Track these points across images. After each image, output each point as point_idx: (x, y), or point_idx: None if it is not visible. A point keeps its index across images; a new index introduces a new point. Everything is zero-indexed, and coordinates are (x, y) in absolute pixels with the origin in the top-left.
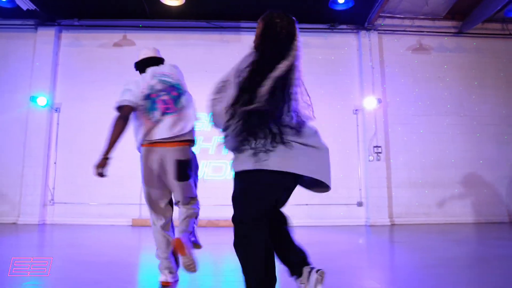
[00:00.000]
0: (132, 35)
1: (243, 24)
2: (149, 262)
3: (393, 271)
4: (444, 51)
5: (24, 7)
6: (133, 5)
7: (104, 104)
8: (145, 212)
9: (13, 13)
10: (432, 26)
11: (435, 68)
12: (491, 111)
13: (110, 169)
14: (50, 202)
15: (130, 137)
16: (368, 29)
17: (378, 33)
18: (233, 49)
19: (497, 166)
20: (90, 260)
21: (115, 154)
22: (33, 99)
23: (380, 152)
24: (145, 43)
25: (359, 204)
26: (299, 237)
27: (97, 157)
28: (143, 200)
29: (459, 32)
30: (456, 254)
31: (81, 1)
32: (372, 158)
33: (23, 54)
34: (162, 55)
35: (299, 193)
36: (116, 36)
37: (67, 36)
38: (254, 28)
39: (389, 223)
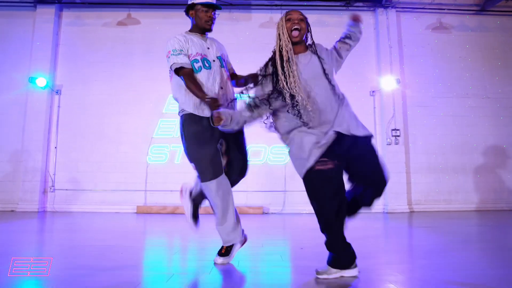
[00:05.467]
0: (137, 14)
1: (254, 1)
2: (155, 247)
3: (411, 252)
4: (466, 30)
5: None
6: None
7: (107, 86)
8: (151, 198)
9: None
10: (453, 4)
11: (456, 48)
12: None
13: (115, 155)
14: (50, 188)
15: (138, 123)
16: (385, 7)
17: (396, 11)
18: (243, 27)
19: None
20: (93, 245)
21: (120, 139)
22: (31, 80)
23: (398, 136)
24: (151, 22)
25: None
26: (309, 224)
27: (99, 142)
28: (149, 187)
29: (482, 10)
30: (479, 238)
31: None
32: (390, 141)
33: (22, 33)
34: (168, 34)
35: None
36: (120, 14)
37: (68, 15)
38: (265, 5)
39: (408, 210)
